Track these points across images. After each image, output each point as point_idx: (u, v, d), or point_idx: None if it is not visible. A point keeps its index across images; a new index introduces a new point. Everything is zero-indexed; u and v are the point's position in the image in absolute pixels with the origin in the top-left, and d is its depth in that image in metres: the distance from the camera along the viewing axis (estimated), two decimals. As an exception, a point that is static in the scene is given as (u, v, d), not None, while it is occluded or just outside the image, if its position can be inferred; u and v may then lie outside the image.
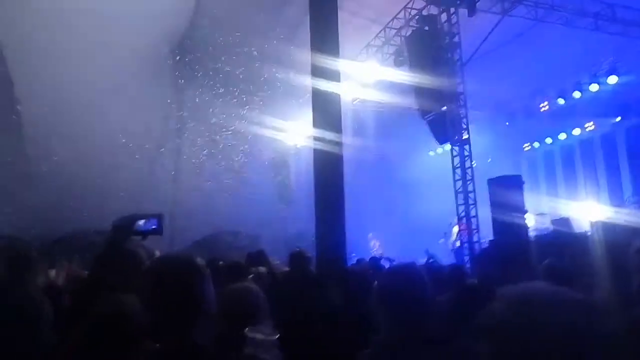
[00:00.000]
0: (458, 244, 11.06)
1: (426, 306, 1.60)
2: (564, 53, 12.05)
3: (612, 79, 12.44)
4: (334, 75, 7.36)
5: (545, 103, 14.96)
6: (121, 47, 11.24)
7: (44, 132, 11.43)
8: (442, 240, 15.12)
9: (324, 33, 7.41)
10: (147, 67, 12.97)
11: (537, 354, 0.70)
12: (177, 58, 14.29)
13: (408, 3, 11.45)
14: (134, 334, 1.48)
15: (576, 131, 15.26)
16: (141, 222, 3.32)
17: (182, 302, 1.39)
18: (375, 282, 1.85)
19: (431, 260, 7.93)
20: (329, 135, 6.84)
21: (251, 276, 4.96)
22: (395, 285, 1.62)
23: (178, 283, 1.40)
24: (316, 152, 7.15)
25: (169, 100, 14.91)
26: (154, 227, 3.54)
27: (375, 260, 8.32)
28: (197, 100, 14.74)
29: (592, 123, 14.69)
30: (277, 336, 2.27)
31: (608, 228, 7.31)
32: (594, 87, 12.95)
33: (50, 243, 10.33)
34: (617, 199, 13.66)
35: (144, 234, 3.32)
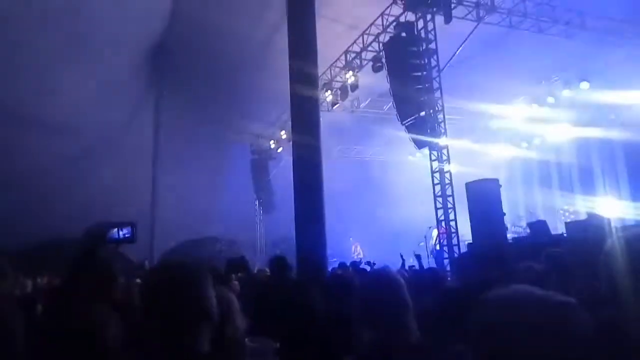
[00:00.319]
0: (438, 247, 11.17)
1: (405, 309, 1.59)
2: (538, 60, 12.35)
3: (584, 85, 12.79)
4: (312, 81, 7.39)
5: (521, 108, 15.28)
6: (98, 50, 11.06)
7: (16, 139, 11.14)
8: (422, 243, 15.25)
9: (302, 39, 7.44)
10: (124, 69, 12.79)
11: (524, 356, 0.71)
12: (155, 61, 14.13)
13: (386, 10, 11.57)
14: (108, 345, 1.43)
15: (550, 136, 15.63)
16: (114, 230, 3.25)
17: (188, 309, 1.35)
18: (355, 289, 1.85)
19: (412, 265, 7.97)
20: (308, 140, 6.86)
21: (235, 282, 4.91)
22: (371, 291, 1.61)
23: (184, 290, 1.35)
24: (295, 156, 7.15)
25: (146, 104, 14.72)
26: (127, 235, 3.48)
27: (355, 265, 8.34)
28: (175, 104, 14.58)
29: (565, 128, 15.07)
30: (276, 345, 2.24)
31: (582, 228, 7.48)
32: (567, 93, 13.30)
33: (24, 252, 10.04)
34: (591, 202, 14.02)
35: (117, 242, 3.25)
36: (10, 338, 2.15)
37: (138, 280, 2.86)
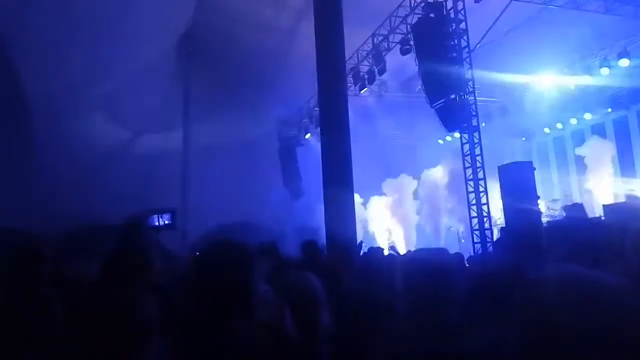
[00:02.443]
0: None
1: (454, 295, 1.57)
2: (574, 37, 11.85)
3: (624, 62, 12.19)
4: (339, 66, 7.33)
5: (555, 88, 14.76)
6: (127, 38, 11.27)
7: (53, 126, 11.53)
8: (452, 227, 15.08)
9: (329, 24, 7.37)
10: (154, 57, 12.99)
11: (576, 337, 0.67)
12: (183, 49, 14.31)
13: (413, -10, 11.31)
14: (145, 328, 1.46)
15: (587, 116, 15.05)
16: (155, 216, 3.36)
17: (234, 292, 1.35)
18: (401, 266, 1.81)
19: None
20: (336, 125, 6.83)
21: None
22: (425, 272, 1.57)
23: (231, 273, 1.36)
24: (324, 142, 7.14)
25: (176, 92, 14.95)
26: (167, 222, 3.60)
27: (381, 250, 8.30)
28: (203, 91, 14.75)
29: (603, 108, 14.49)
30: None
31: (619, 211, 7.23)
32: (605, 71, 12.72)
33: (63, 237, 10.44)
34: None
35: (159, 228, 3.35)
36: (50, 319, 2.25)
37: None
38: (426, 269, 1.58)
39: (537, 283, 0.75)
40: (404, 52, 11.77)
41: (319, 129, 9.02)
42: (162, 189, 12.85)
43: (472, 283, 2.99)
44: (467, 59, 10.03)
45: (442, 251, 1.74)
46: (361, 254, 7.39)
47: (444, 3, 10.22)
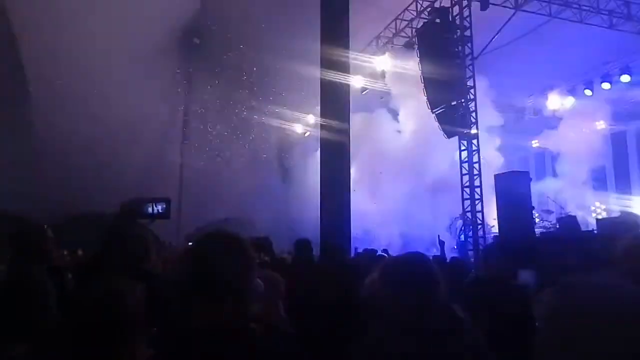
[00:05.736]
0: (462, 238, 11.03)
1: (434, 295, 1.59)
2: (577, 50, 11.89)
3: (625, 78, 12.26)
4: (343, 67, 7.32)
5: (556, 100, 14.81)
6: (131, 30, 11.24)
7: (54, 114, 11.49)
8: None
9: (335, 24, 7.36)
10: (157, 51, 12.96)
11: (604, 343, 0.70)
12: (185, 44, 14.29)
13: (420, -6, 11.34)
14: (128, 316, 1.46)
15: (585, 130, 15.07)
16: (149, 205, 3.36)
17: (226, 284, 1.35)
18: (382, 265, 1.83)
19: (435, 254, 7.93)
20: (337, 125, 6.83)
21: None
22: (404, 270, 1.60)
23: (225, 264, 1.36)
24: (323, 141, 7.14)
25: (177, 87, 14.93)
26: (161, 211, 3.60)
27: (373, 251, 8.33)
28: (206, 86, 14.74)
29: (602, 122, 14.53)
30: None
31: (612, 226, 7.27)
32: (606, 86, 12.79)
33: (59, 224, 10.41)
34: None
35: (152, 217, 3.36)
36: (45, 300, 2.26)
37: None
38: (407, 270, 1.60)
39: (568, 287, 0.77)
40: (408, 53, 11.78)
41: (318, 127, 9.03)
42: (160, 181, 12.82)
43: (462, 287, 3.03)
44: (470, 66, 10.06)
45: (422, 255, 1.77)
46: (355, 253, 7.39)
47: (450, 9, 10.25)
